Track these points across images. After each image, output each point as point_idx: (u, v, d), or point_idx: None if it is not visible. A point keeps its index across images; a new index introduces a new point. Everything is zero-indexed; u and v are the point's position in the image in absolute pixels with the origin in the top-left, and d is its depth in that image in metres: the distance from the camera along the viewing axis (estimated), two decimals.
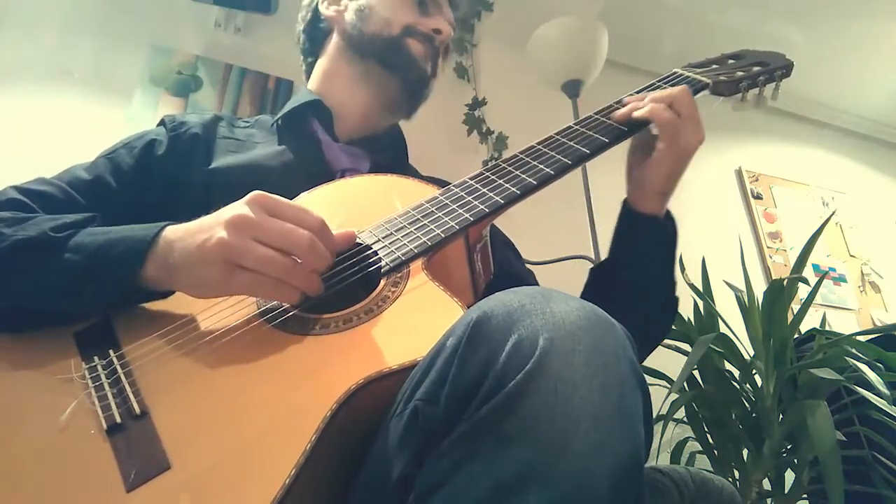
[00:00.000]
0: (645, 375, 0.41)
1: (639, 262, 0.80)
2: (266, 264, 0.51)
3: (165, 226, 0.58)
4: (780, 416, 1.41)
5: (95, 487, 0.44)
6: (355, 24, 0.90)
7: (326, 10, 0.94)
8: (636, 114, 0.74)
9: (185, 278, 0.55)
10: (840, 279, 2.63)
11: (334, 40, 0.94)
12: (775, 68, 0.87)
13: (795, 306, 1.62)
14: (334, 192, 0.75)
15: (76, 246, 0.58)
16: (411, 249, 0.60)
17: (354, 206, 0.71)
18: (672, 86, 0.81)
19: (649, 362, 1.59)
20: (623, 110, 0.76)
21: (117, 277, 0.56)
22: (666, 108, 0.74)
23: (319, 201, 0.73)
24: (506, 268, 0.82)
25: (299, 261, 0.53)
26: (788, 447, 1.45)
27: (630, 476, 0.35)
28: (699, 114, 0.75)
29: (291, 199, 0.72)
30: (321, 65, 0.95)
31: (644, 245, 0.80)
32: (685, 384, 1.48)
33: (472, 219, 0.63)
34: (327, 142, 0.88)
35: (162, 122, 0.86)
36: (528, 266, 0.97)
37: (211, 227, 0.54)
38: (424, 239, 0.61)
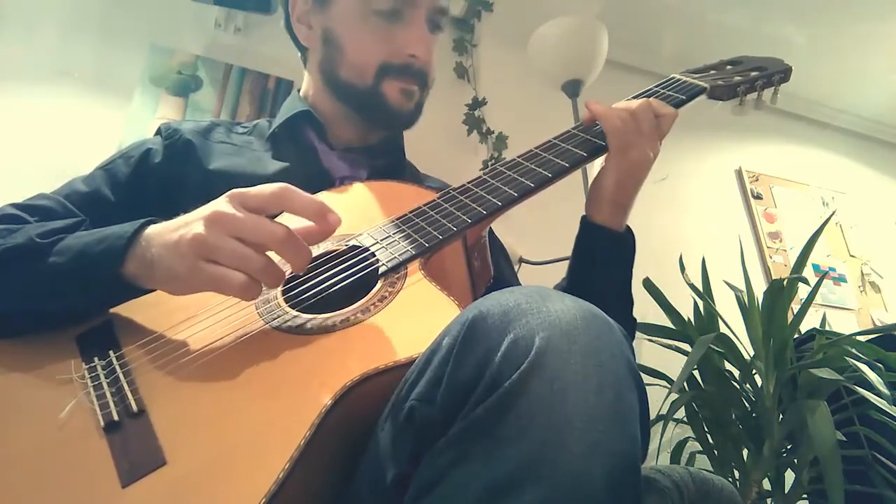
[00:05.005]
0: (645, 375, 0.41)
1: (591, 273, 0.77)
2: (239, 260, 0.51)
3: (147, 222, 0.59)
4: (780, 416, 1.41)
5: (91, 483, 0.44)
6: (328, 61, 0.87)
7: (298, 30, 0.91)
8: (591, 108, 0.75)
9: (160, 273, 0.55)
10: (840, 279, 2.63)
11: (313, 63, 0.91)
12: (773, 73, 0.87)
13: (795, 306, 1.62)
14: (333, 198, 0.76)
15: (61, 249, 0.59)
16: (409, 251, 0.61)
17: (353, 212, 0.72)
18: (670, 90, 0.81)
19: (649, 362, 1.60)
20: (586, 113, 0.76)
21: (100, 276, 0.57)
22: (619, 116, 0.72)
23: None
24: (496, 274, 0.82)
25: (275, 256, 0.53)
26: (788, 447, 1.45)
27: (626, 476, 0.35)
28: (658, 129, 0.74)
29: None
30: (307, 78, 0.93)
31: (597, 256, 0.77)
32: (685, 384, 1.48)
33: (469, 221, 0.64)
34: (324, 150, 0.88)
35: (158, 131, 0.86)
36: (527, 266, 0.97)
37: (189, 223, 0.54)
38: (421, 241, 0.62)
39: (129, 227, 0.58)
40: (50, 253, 0.58)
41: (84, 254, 0.58)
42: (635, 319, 0.80)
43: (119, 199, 0.77)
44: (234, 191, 0.55)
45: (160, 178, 0.79)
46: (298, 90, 0.95)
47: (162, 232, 0.56)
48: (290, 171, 0.83)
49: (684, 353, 1.58)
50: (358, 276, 0.60)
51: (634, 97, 0.80)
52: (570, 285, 0.79)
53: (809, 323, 1.65)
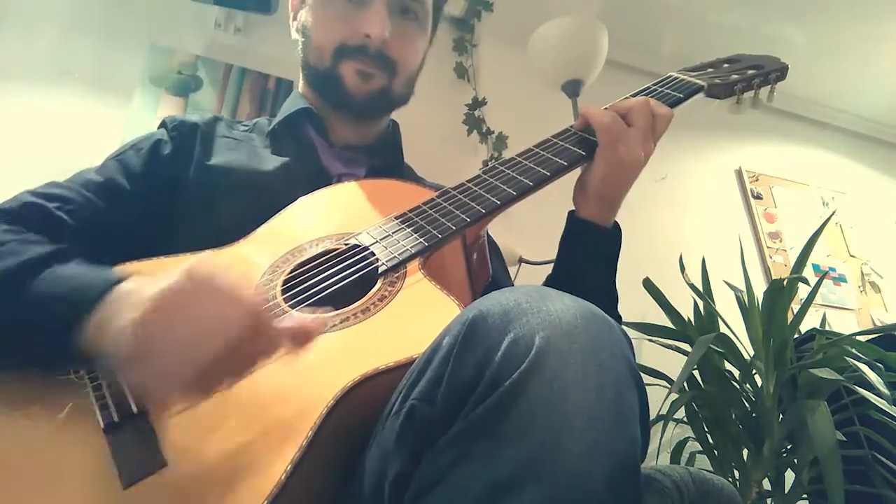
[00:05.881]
0: (645, 375, 0.40)
1: (576, 268, 0.77)
2: (178, 355, 0.43)
3: (114, 285, 0.50)
4: (780, 416, 1.41)
5: (92, 484, 0.44)
6: (303, 51, 0.89)
7: (292, 27, 0.93)
8: (582, 111, 0.75)
9: (105, 350, 0.46)
10: (840, 279, 2.63)
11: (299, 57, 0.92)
12: (770, 71, 0.87)
13: (795, 306, 1.62)
14: (332, 195, 0.76)
15: (32, 294, 0.52)
16: (408, 250, 0.61)
17: (353, 210, 0.72)
18: (667, 88, 0.81)
19: (649, 362, 1.60)
20: (579, 118, 0.77)
21: (59, 338, 0.49)
22: (608, 114, 0.73)
23: (318, 205, 0.74)
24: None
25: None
26: (788, 447, 1.45)
27: (626, 475, 0.35)
28: (653, 129, 0.74)
29: (290, 203, 0.73)
30: (300, 75, 0.94)
31: (582, 251, 0.77)
32: (685, 384, 1.47)
33: (468, 220, 0.64)
34: (323, 147, 0.89)
35: (163, 124, 0.86)
36: (527, 265, 0.97)
37: (141, 299, 0.45)
38: (421, 240, 0.62)
39: (97, 288, 0.50)
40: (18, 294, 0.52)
41: (45, 306, 0.51)
42: (620, 316, 0.79)
43: (134, 189, 0.77)
44: (196, 265, 0.45)
45: (169, 170, 0.80)
46: (298, 88, 0.96)
47: (118, 306, 0.48)
48: (289, 166, 0.83)
49: (684, 353, 1.58)
50: (357, 275, 0.60)
51: (632, 95, 0.80)
52: (553, 280, 0.78)
53: (809, 323, 1.65)
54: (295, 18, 0.92)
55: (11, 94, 1.77)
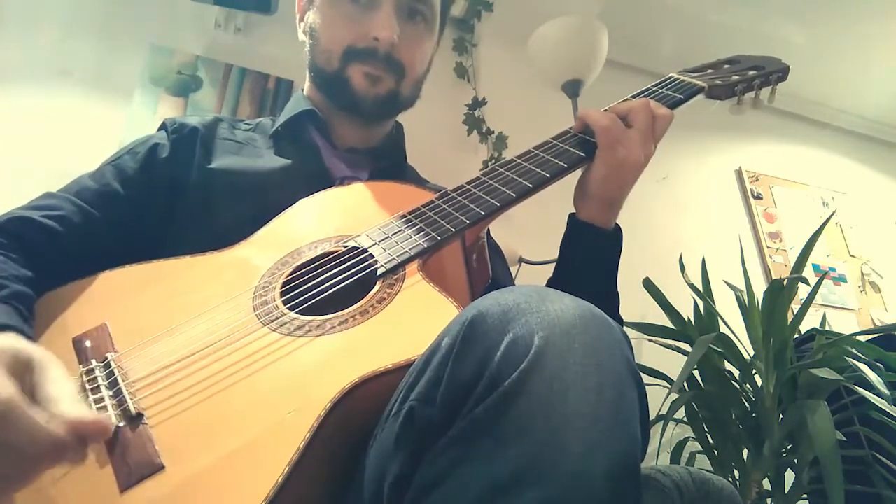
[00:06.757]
0: (645, 375, 0.40)
1: (577, 270, 0.77)
2: None
3: None
4: (780, 416, 1.41)
5: (89, 487, 0.44)
6: (310, 52, 0.89)
7: (299, 28, 0.93)
8: (580, 113, 0.75)
9: None
10: (840, 279, 2.62)
11: (306, 58, 0.92)
12: (771, 72, 0.87)
13: (795, 306, 1.62)
14: (332, 198, 0.76)
15: None
16: (407, 252, 0.61)
17: (353, 212, 0.72)
18: (668, 89, 0.81)
19: (649, 362, 1.60)
20: (577, 121, 0.76)
21: None
22: (607, 115, 0.72)
23: (317, 207, 0.74)
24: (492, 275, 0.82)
25: None
26: (788, 447, 1.45)
27: (626, 475, 0.35)
28: (653, 131, 0.73)
29: (291, 204, 0.73)
30: (307, 77, 0.94)
31: (582, 253, 0.76)
32: (685, 384, 1.48)
33: (467, 222, 0.64)
34: (326, 149, 0.88)
35: (163, 126, 0.86)
36: (527, 266, 0.97)
37: None
38: (420, 242, 0.62)
39: None
40: None
41: None
42: (622, 318, 0.79)
43: (129, 194, 0.77)
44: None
45: (167, 172, 0.79)
46: (302, 90, 0.96)
47: None
48: (291, 168, 0.82)
49: (684, 353, 1.58)
50: (356, 277, 0.60)
51: (633, 96, 0.80)
52: (554, 283, 0.78)
53: (809, 323, 1.65)
54: (302, 20, 0.92)
55: (11, 94, 1.77)
